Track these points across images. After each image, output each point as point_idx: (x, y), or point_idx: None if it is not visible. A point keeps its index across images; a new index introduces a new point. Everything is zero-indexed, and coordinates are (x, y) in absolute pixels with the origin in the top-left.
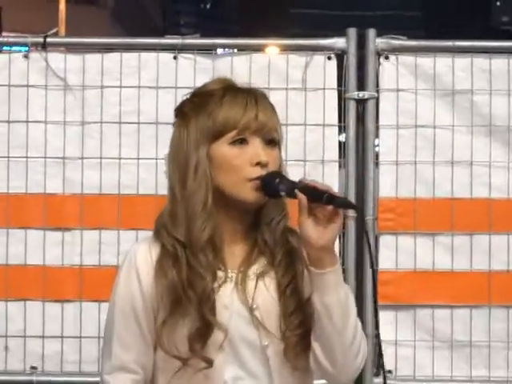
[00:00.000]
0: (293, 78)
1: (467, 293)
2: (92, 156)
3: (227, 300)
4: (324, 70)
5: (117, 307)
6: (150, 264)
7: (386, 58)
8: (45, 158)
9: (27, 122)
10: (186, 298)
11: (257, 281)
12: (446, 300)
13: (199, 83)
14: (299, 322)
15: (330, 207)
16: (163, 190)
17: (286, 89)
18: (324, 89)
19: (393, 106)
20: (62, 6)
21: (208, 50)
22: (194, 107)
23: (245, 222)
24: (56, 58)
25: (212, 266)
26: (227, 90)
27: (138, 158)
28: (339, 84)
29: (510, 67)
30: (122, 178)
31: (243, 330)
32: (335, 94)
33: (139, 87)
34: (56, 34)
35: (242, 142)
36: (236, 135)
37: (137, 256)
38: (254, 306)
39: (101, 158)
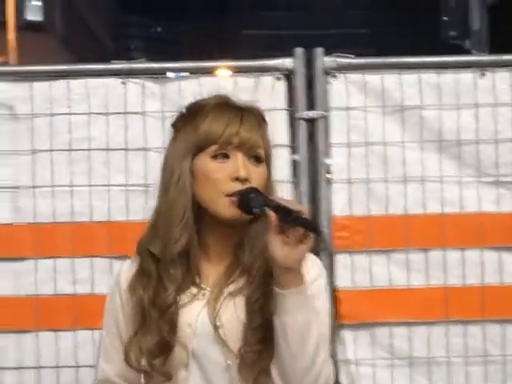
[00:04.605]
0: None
1: (424, 309)
2: (44, 184)
3: (193, 318)
4: (273, 90)
5: (104, 324)
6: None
7: (334, 76)
8: None
9: None
10: (148, 313)
11: (225, 299)
12: (404, 317)
13: (148, 108)
14: (258, 340)
15: (301, 228)
16: (119, 216)
17: None
18: (274, 109)
19: (343, 125)
20: (11, 35)
21: (156, 74)
22: (184, 120)
23: (231, 239)
24: (2, 88)
25: (179, 281)
26: (217, 105)
27: (90, 185)
28: (289, 104)
29: (457, 81)
30: (74, 205)
31: (207, 348)
32: (285, 114)
33: (89, 114)
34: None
35: (224, 156)
36: (217, 149)
37: (121, 274)
38: (218, 324)
39: (52, 185)
